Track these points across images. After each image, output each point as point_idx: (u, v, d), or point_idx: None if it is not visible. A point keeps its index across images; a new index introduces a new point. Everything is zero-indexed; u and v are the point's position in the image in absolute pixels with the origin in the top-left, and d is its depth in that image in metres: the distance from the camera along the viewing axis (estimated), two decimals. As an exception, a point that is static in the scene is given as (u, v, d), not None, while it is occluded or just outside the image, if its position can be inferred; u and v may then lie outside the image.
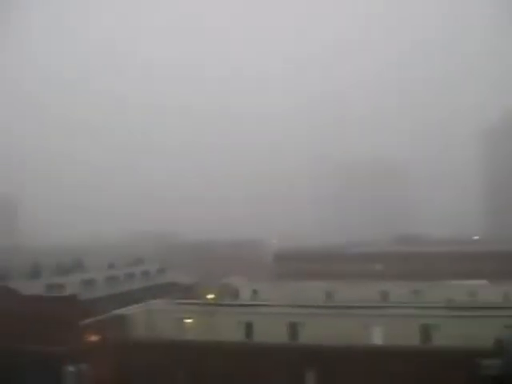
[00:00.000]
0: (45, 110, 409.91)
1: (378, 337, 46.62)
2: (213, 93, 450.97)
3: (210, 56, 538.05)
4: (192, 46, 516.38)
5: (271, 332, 47.11)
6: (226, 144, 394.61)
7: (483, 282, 73.01)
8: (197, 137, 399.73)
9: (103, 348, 49.81)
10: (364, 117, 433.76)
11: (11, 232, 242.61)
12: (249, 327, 49.82)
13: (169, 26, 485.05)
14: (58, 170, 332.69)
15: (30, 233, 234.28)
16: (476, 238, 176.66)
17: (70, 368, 49.08)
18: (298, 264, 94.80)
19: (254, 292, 74.15)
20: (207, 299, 68.19)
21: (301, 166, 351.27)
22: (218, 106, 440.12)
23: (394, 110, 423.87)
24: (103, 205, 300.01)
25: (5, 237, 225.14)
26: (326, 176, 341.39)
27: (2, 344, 53.41)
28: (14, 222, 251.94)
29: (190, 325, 52.60)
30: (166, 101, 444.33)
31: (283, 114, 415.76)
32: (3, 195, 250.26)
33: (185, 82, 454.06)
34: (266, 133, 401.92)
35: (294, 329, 48.36)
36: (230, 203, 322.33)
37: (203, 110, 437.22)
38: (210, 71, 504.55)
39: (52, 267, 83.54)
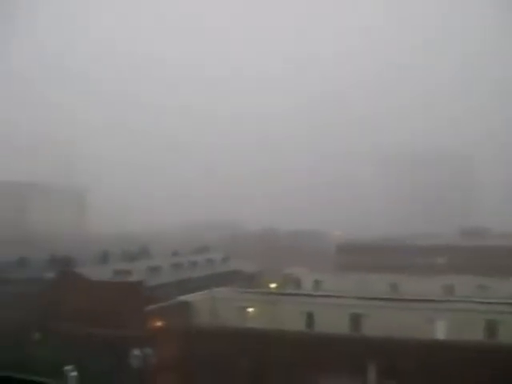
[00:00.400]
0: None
1: (441, 331, 45.84)
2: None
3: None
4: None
5: (333, 323, 47.01)
6: (290, 136, 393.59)
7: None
8: (267, 132, 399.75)
9: (167, 334, 50.91)
10: (418, 106, 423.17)
11: (80, 220, 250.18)
12: (310, 317, 49.92)
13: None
14: (124, 159, 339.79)
15: (98, 221, 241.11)
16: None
17: (136, 352, 50.33)
18: (361, 256, 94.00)
19: (317, 282, 74.05)
20: (270, 288, 68.59)
21: (363, 155, 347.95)
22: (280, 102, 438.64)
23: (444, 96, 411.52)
24: (169, 194, 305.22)
25: (74, 225, 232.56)
26: (389, 166, 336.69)
27: (71, 328, 55.34)
28: (83, 211, 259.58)
29: (252, 313, 53.10)
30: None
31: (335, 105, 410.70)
32: (72, 186, 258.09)
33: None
34: (326, 122, 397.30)
35: (356, 320, 48.16)
36: (294, 193, 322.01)
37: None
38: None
39: (119, 254, 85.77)
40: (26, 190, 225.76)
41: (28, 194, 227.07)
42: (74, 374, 39.66)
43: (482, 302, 49.92)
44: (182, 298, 56.49)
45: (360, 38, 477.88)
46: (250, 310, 53.59)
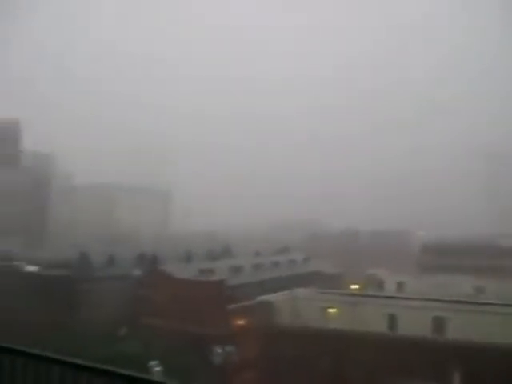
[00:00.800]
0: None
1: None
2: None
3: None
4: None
5: (415, 326, 46.25)
6: (364, 135, 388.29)
7: None
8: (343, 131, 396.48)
9: (249, 332, 51.68)
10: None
11: (166, 220, 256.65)
12: (392, 319, 49.29)
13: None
14: (206, 160, 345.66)
15: (183, 220, 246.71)
16: None
17: (218, 349, 51.42)
18: (446, 256, 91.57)
19: (400, 284, 72.83)
20: (351, 289, 68.20)
21: (441, 151, 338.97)
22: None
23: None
24: (250, 194, 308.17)
25: (160, 225, 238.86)
26: (474, 164, 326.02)
27: (157, 324, 57.16)
28: (169, 211, 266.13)
29: (334, 314, 52.94)
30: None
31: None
32: (158, 187, 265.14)
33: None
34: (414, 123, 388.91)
35: (439, 324, 47.15)
36: (373, 192, 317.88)
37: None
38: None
39: (203, 253, 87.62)
40: (113, 191, 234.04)
41: (116, 195, 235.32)
42: (159, 368, 40.99)
43: None
44: (264, 297, 57.05)
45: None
46: (331, 310, 53.46)
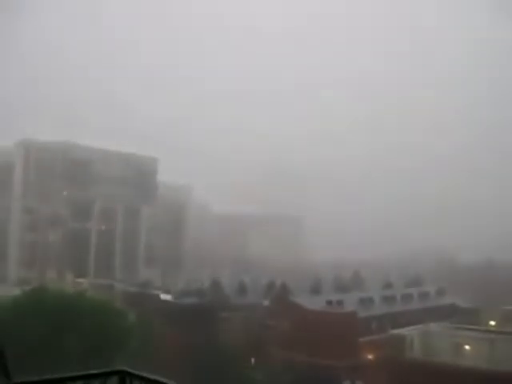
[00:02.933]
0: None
1: None
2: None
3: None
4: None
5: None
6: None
7: None
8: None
9: (380, 366, 50.81)
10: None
11: (296, 248, 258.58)
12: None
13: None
14: (334, 186, 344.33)
15: (313, 248, 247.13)
16: None
17: (347, 382, 51.01)
18: None
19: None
20: (488, 326, 65.06)
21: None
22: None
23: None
24: (381, 222, 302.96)
25: (290, 253, 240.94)
26: None
27: (288, 354, 57.68)
28: (299, 239, 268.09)
29: (469, 351, 50.88)
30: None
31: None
32: (290, 214, 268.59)
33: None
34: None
35: None
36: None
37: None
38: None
39: (332, 282, 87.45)
40: (245, 219, 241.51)
41: (248, 223, 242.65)
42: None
43: None
44: (396, 331, 56.01)
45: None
46: (466, 347, 51.42)
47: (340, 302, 68.83)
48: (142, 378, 6.93)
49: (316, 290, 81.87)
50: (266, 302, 72.74)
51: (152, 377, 6.79)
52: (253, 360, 60.25)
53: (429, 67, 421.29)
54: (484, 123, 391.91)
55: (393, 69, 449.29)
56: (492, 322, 66.50)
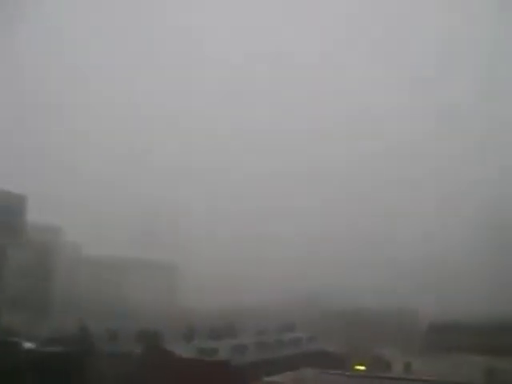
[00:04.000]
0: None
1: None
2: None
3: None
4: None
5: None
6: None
7: None
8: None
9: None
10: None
11: (171, 295, 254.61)
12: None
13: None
14: (213, 233, 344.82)
15: (186, 295, 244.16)
16: None
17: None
18: (455, 336, 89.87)
19: (407, 365, 71.06)
20: (357, 370, 66.61)
21: (458, 229, 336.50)
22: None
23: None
24: (255, 269, 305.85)
25: (165, 300, 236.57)
26: (486, 239, 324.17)
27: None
28: (175, 286, 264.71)
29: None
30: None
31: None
32: (162, 260, 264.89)
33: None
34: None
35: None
36: (384, 270, 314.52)
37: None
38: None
39: (206, 331, 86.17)
40: (119, 263, 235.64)
41: (121, 267, 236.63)
42: None
43: None
44: (269, 378, 55.62)
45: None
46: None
47: (213, 350, 67.86)
48: None
49: (189, 337, 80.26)
50: (138, 351, 70.30)
51: None
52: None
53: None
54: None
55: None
56: (361, 367, 68.17)
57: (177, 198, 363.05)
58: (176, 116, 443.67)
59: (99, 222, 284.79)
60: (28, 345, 75.29)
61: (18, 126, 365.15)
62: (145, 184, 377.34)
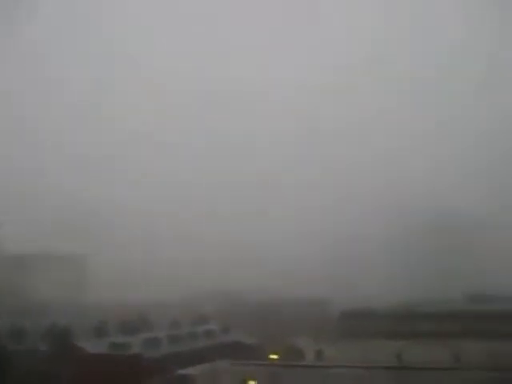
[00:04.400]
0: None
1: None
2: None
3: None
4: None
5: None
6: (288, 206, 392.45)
7: None
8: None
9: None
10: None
11: (80, 289, 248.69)
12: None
13: None
14: (123, 225, 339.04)
15: (98, 290, 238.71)
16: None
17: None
18: (365, 323, 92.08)
19: (319, 352, 72.03)
20: (271, 360, 66.77)
21: (367, 216, 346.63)
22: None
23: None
24: (168, 263, 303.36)
25: (73, 294, 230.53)
26: (394, 231, 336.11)
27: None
28: (82, 280, 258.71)
29: (254, 386, 51.42)
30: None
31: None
32: (72, 253, 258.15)
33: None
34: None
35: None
36: (296, 261, 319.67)
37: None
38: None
39: (118, 325, 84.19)
40: (28, 260, 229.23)
41: (30, 263, 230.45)
42: None
43: (491, 370, 48.44)
44: (182, 371, 54.83)
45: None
46: (252, 382, 51.91)
47: (126, 344, 66.22)
48: None
49: (102, 332, 78.03)
50: (46, 347, 67.67)
51: None
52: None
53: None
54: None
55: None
56: (274, 356, 68.38)
57: (88, 191, 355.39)
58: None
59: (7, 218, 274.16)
60: None
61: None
62: (56, 177, 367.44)
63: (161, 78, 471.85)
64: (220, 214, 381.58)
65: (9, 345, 67.51)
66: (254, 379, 51.98)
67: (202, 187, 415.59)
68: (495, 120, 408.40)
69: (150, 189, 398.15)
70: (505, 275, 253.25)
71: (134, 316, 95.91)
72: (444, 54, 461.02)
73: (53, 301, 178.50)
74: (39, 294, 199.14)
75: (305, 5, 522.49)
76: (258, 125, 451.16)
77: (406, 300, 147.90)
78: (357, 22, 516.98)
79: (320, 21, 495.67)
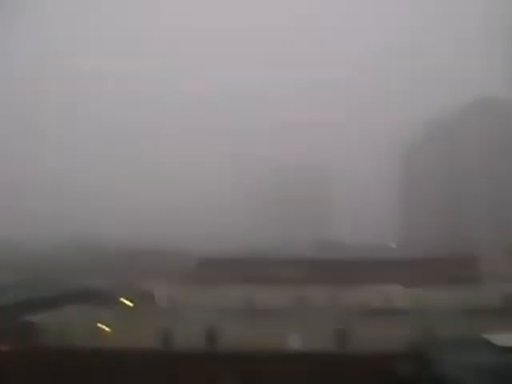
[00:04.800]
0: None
1: (296, 342, 46.37)
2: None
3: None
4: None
5: (190, 338, 46.03)
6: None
7: (397, 286, 74.68)
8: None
9: (9, 358, 47.30)
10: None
11: None
12: (166, 333, 48.57)
13: None
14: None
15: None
16: (393, 245, 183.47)
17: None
18: (219, 270, 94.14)
19: (172, 297, 72.97)
20: (124, 305, 66.58)
21: (215, 165, 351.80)
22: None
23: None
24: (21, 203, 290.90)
25: None
26: (247, 182, 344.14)
27: None
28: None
29: (106, 331, 50.93)
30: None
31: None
32: None
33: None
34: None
35: (212, 334, 47.50)
36: (155, 210, 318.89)
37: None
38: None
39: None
40: None
41: None
42: None
43: (334, 311, 51.48)
44: (27, 318, 52.94)
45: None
46: (103, 327, 51.36)
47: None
48: None
49: None
50: None
51: None
52: None
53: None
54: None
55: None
56: (127, 302, 68.22)
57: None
58: None
59: None
60: None
61: None
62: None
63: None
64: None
65: None
66: (105, 325, 51.49)
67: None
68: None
69: None
70: (349, 224, 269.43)
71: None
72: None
73: None
74: None
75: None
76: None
77: (258, 247, 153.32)
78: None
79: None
